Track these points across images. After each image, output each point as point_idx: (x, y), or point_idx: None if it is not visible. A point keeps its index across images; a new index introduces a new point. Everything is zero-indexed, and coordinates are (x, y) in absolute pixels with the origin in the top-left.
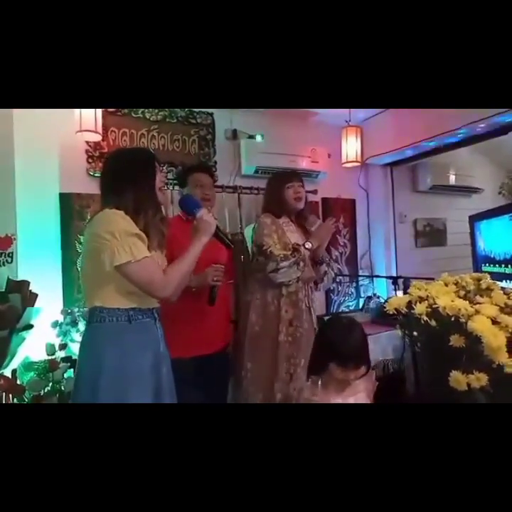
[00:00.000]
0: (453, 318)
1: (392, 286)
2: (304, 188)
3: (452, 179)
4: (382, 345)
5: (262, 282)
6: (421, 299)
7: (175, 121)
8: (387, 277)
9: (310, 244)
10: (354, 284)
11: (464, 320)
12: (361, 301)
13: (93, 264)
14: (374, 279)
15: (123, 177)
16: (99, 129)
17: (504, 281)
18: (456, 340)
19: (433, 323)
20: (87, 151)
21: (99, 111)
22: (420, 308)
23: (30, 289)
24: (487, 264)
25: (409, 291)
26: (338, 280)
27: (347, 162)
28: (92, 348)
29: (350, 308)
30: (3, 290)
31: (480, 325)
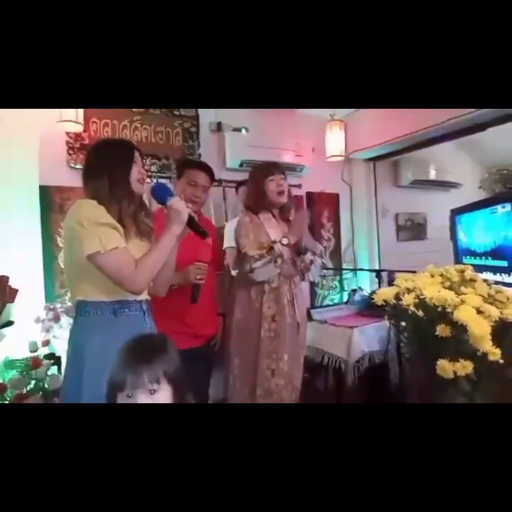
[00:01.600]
0: (439, 309)
1: (376, 280)
2: (287, 181)
3: (432, 174)
4: (368, 337)
5: (244, 279)
6: (408, 290)
7: (158, 112)
8: (370, 270)
9: (286, 240)
10: (338, 278)
11: (450, 310)
12: (345, 294)
13: (70, 256)
14: (357, 272)
15: (99, 166)
16: (80, 119)
17: (484, 272)
18: (442, 330)
19: (420, 313)
20: (67, 143)
21: None
22: (408, 299)
23: (9, 284)
24: (468, 256)
25: (395, 282)
26: (322, 274)
27: (331, 156)
28: (77, 341)
29: (335, 301)
30: None
31: (465, 314)
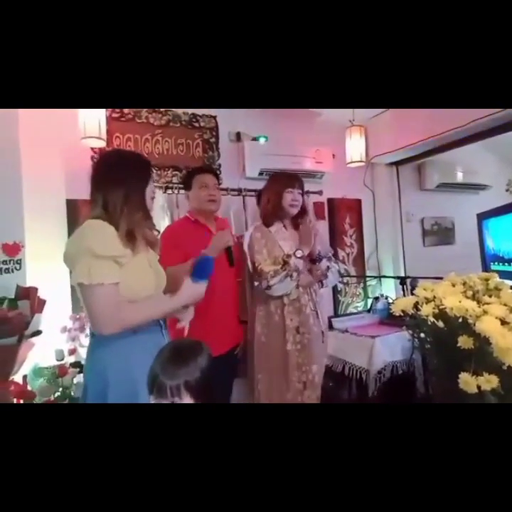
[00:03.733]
0: (461, 319)
1: (400, 287)
2: (303, 195)
3: (459, 176)
4: (391, 346)
5: (262, 293)
6: (427, 300)
7: (178, 125)
8: (394, 277)
9: (301, 253)
10: (362, 285)
11: (471, 321)
12: (369, 302)
13: None
14: (381, 279)
15: (115, 178)
16: (104, 135)
17: None
18: (464, 342)
19: (440, 324)
20: (92, 158)
21: (103, 117)
22: (427, 310)
23: (38, 295)
24: (496, 263)
25: (415, 292)
26: (345, 281)
27: (351, 162)
28: (98, 362)
29: (358, 309)
30: (12, 297)
31: (488, 326)
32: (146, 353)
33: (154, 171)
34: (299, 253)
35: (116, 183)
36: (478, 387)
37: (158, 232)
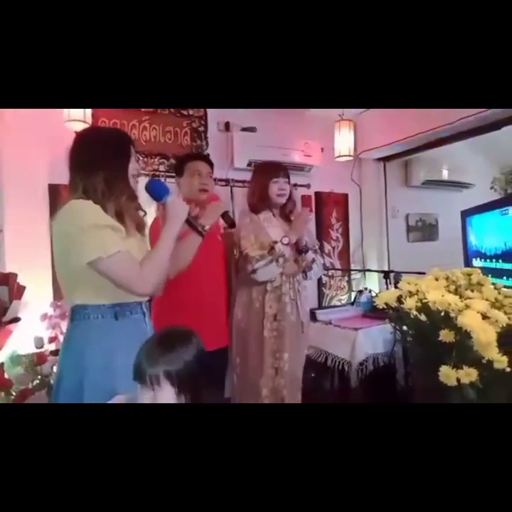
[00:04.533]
0: (443, 313)
1: (384, 281)
2: (290, 184)
3: (445, 174)
4: (373, 339)
5: (246, 279)
6: (411, 294)
7: (166, 112)
8: (379, 271)
9: (287, 239)
10: (346, 278)
11: (453, 315)
12: (353, 295)
13: (66, 263)
14: (366, 273)
15: (93, 159)
16: (89, 119)
17: (494, 275)
18: (445, 335)
19: (423, 317)
20: None
21: None
22: (410, 303)
23: (17, 281)
24: (478, 259)
25: (399, 285)
26: (329, 274)
27: (340, 156)
28: (76, 346)
29: (342, 302)
30: None
31: (470, 320)
32: (127, 340)
33: (140, 159)
34: (285, 240)
35: (94, 165)
36: (458, 380)
37: (145, 212)
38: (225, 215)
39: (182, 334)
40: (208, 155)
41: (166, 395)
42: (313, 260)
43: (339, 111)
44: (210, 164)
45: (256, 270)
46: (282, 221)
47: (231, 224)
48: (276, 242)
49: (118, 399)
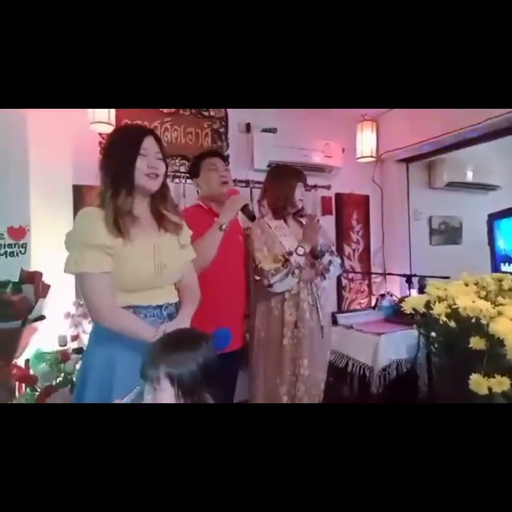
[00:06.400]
0: (473, 320)
1: (406, 285)
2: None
3: (469, 176)
4: (397, 344)
5: (264, 289)
6: (440, 299)
7: (188, 113)
8: (401, 275)
9: (302, 250)
10: (366, 282)
11: (485, 322)
12: (373, 299)
13: None
14: (387, 276)
15: (106, 158)
16: (112, 120)
17: None
18: (476, 343)
19: (452, 324)
20: (100, 143)
21: None
22: (439, 309)
23: (43, 280)
24: (507, 264)
25: (427, 290)
26: (349, 277)
27: (362, 157)
28: (89, 345)
29: (363, 305)
30: (17, 281)
31: (503, 327)
32: (130, 341)
33: None
34: (300, 250)
35: (105, 167)
36: (489, 388)
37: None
38: (245, 208)
39: (193, 337)
40: (228, 156)
41: (166, 395)
42: (330, 262)
43: (362, 111)
44: (223, 159)
45: (272, 285)
46: (294, 225)
47: (252, 217)
48: (290, 254)
49: (118, 399)
